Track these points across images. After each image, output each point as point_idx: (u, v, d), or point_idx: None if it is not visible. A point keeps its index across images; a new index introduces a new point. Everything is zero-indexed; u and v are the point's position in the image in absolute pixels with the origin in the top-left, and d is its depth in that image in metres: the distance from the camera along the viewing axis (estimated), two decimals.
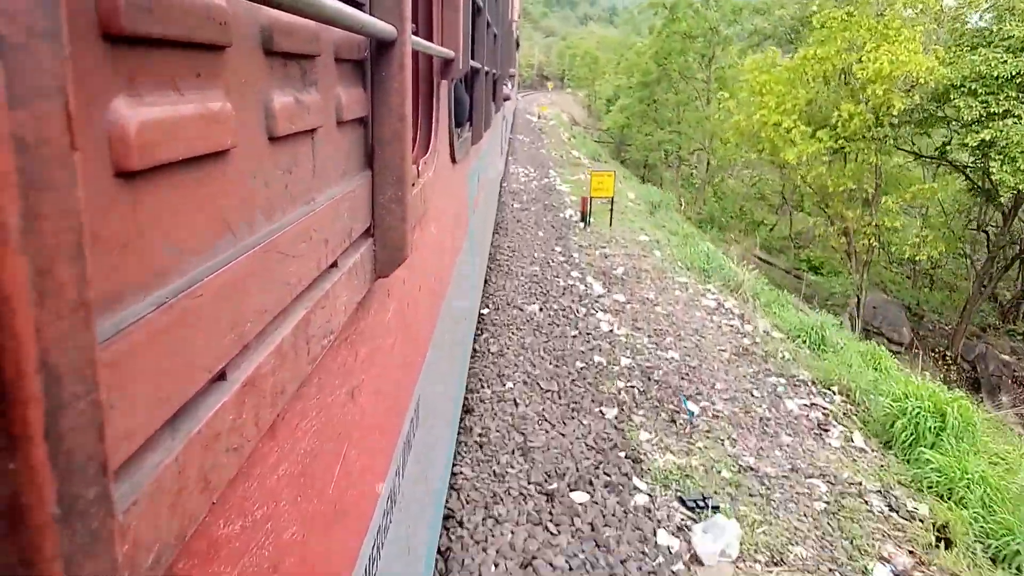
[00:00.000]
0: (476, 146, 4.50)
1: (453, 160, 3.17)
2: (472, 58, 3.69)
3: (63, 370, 0.33)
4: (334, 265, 1.12)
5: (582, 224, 14.30)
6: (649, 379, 7.19)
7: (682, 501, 5.10)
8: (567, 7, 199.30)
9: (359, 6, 1.26)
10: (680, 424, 6.29)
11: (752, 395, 7.26)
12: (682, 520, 4.89)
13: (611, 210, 14.59)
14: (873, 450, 6.71)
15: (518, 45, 20.82)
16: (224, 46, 0.70)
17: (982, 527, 5.56)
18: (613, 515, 4.77)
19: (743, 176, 40.96)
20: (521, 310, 8.91)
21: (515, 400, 6.34)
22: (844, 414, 7.40)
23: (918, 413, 6.77)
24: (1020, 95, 18.25)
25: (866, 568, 4.64)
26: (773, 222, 38.90)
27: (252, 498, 0.80)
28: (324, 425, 1.09)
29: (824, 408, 7.34)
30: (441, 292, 2.88)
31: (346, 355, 1.24)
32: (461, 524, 4.48)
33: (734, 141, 28.06)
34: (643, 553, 4.41)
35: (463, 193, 3.97)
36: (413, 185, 1.86)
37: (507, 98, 10.79)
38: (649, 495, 5.10)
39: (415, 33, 2.41)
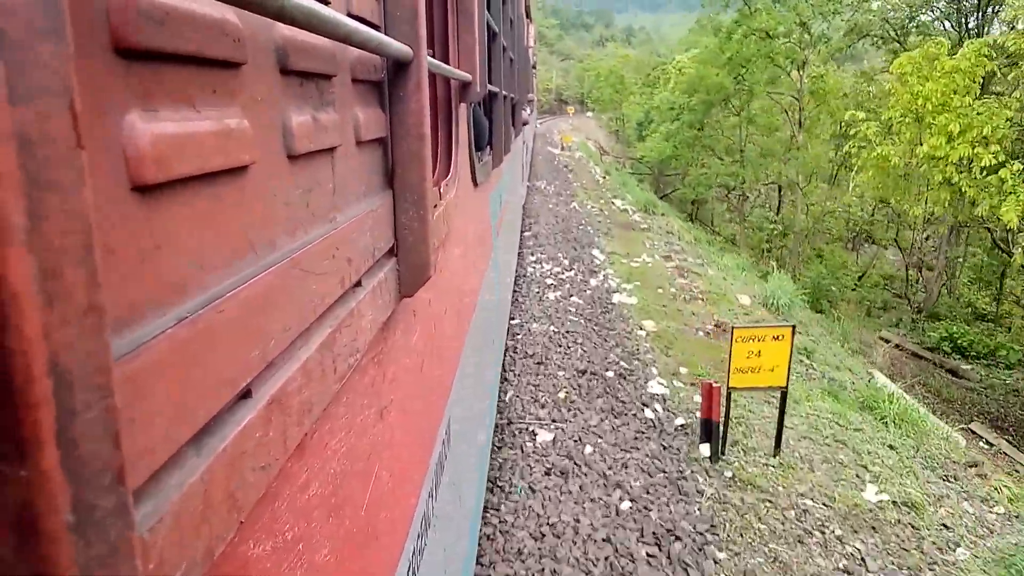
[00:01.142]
0: (497, 169, 4.52)
1: (475, 183, 3.18)
2: (490, 82, 3.73)
3: (75, 374, 0.33)
4: (358, 284, 1.12)
5: (705, 453, 5.52)
6: None
7: None
8: (582, 30, 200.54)
9: (375, 27, 1.28)
10: None
11: None
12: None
13: (780, 421, 5.51)
14: None
15: (535, 68, 21.06)
16: (240, 63, 0.70)
17: None
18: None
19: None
20: None
21: None
22: None
23: None
24: None
25: None
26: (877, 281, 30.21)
27: (282, 518, 0.78)
28: (354, 445, 1.08)
29: None
30: (468, 313, 2.88)
31: (374, 374, 1.23)
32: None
33: (871, 185, 19.73)
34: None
35: (485, 216, 3.98)
36: (436, 207, 1.86)
37: (525, 123, 10.84)
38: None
39: (431, 57, 2.44)
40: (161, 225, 0.56)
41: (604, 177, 28.19)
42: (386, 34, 1.30)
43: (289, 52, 0.83)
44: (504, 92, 4.67)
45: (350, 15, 1.12)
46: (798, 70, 29.58)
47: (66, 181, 0.33)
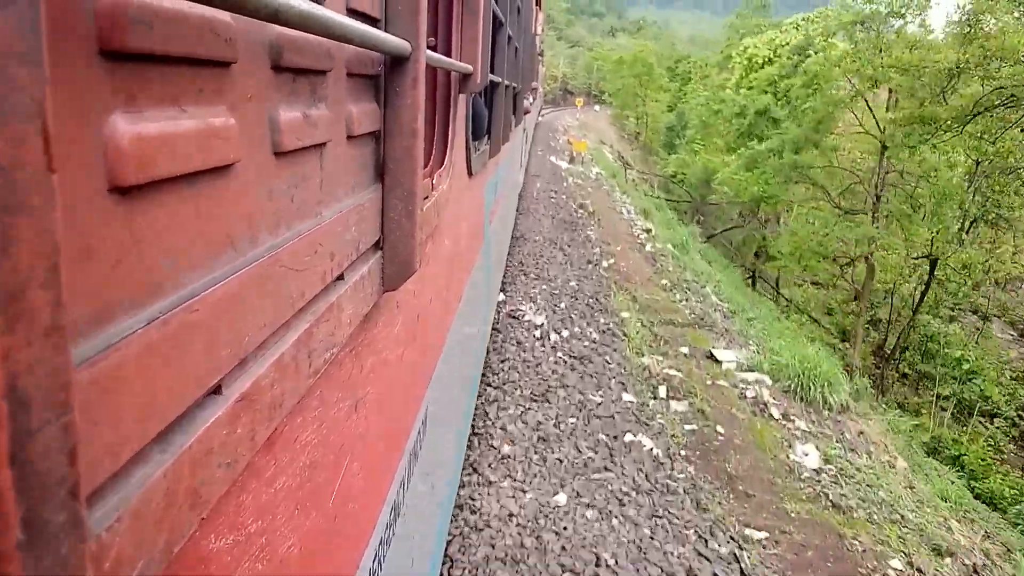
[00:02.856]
0: (494, 159, 4.51)
1: (470, 173, 3.18)
2: (492, 71, 3.71)
3: (32, 395, 0.33)
4: (340, 278, 1.12)
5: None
6: None
7: None
8: (593, 17, 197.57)
9: (374, 21, 1.27)
10: None
11: None
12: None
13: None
14: None
15: (541, 56, 20.73)
16: (229, 62, 0.70)
17: None
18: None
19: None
20: None
21: None
22: None
23: None
24: None
25: None
26: None
27: (246, 512, 0.79)
28: (325, 438, 1.09)
29: None
30: (454, 303, 2.88)
31: (351, 367, 1.24)
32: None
33: None
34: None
35: (479, 206, 3.97)
36: (426, 198, 1.86)
37: (527, 111, 10.82)
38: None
39: (434, 47, 2.43)
40: (138, 226, 0.56)
41: (648, 231, 16.78)
42: (386, 28, 1.29)
43: (283, 50, 0.83)
44: (507, 82, 4.65)
45: (349, 10, 1.11)
46: None
47: (37, 204, 0.33)
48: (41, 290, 0.34)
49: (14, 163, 0.31)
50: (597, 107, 76.85)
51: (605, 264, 11.98)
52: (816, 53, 27.34)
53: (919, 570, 5.18)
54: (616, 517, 4.82)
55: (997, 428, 20.18)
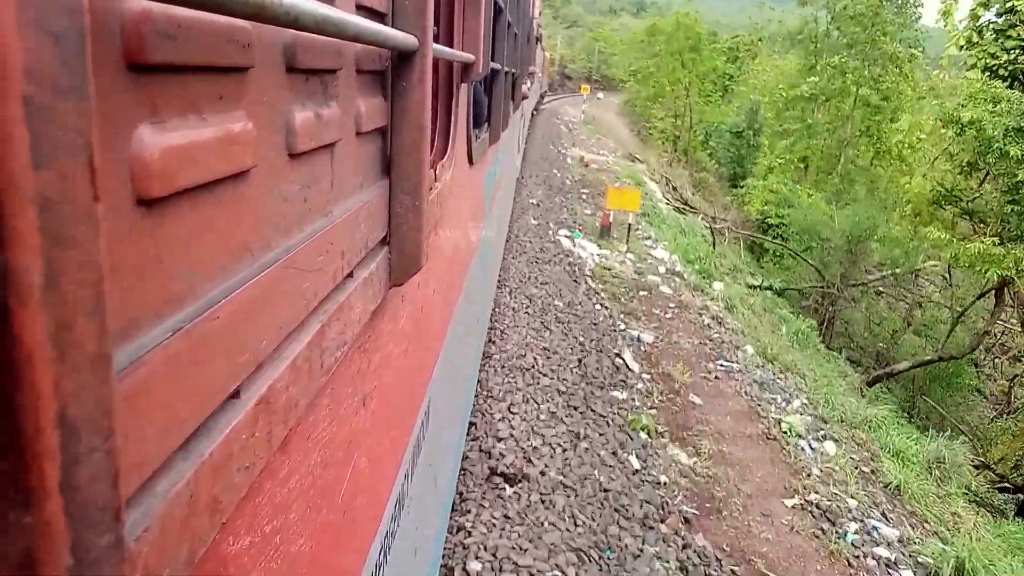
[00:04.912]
0: (494, 146, 4.49)
1: (471, 161, 3.17)
2: (492, 59, 3.69)
3: (80, 423, 0.34)
4: (349, 276, 1.12)
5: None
6: None
7: None
8: None
9: (381, 16, 1.26)
10: None
11: None
12: None
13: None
14: None
15: (540, 40, 20.42)
16: (247, 67, 0.70)
17: None
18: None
19: None
20: None
21: None
22: None
23: None
24: None
25: None
26: None
27: (262, 513, 0.80)
28: (335, 434, 1.10)
29: None
30: (455, 293, 2.89)
31: (359, 363, 1.24)
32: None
33: None
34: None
35: (479, 194, 3.97)
36: (430, 190, 1.86)
37: (525, 97, 10.79)
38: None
39: (436, 38, 2.42)
40: (162, 238, 0.56)
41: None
42: (393, 23, 1.29)
43: (297, 51, 0.83)
44: (506, 68, 4.63)
45: (358, 7, 1.11)
46: None
47: (83, 237, 0.33)
48: (87, 320, 0.34)
49: (62, 197, 0.32)
50: (600, 95, 65.49)
51: None
52: None
53: None
54: None
55: None
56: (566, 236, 12.78)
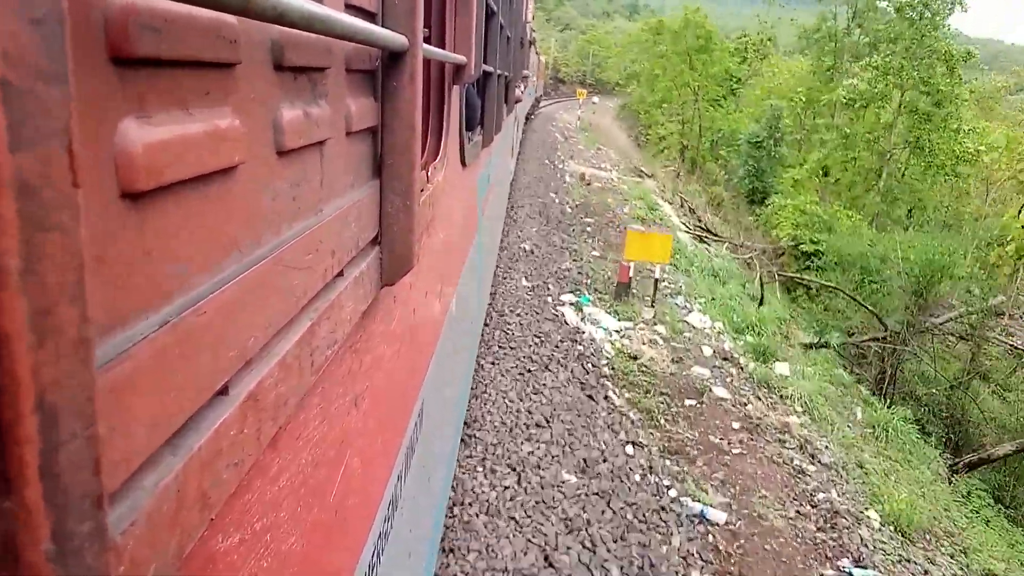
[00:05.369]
0: (487, 149, 4.50)
1: (463, 164, 3.17)
2: (485, 62, 3.69)
3: (60, 409, 0.34)
4: (340, 275, 1.12)
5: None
6: None
7: None
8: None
9: (371, 15, 1.26)
10: None
11: None
12: None
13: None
14: None
15: (533, 44, 20.37)
16: (234, 63, 0.70)
17: None
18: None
19: None
20: None
21: None
22: None
23: None
24: None
25: None
26: None
27: (252, 511, 0.80)
28: (326, 434, 1.09)
29: None
30: (448, 295, 2.88)
31: (351, 363, 1.24)
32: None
33: None
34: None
35: (472, 196, 3.97)
36: (422, 191, 1.86)
37: (518, 100, 10.83)
38: None
39: (427, 38, 2.42)
40: (148, 231, 0.56)
41: None
42: (383, 23, 1.29)
43: (284, 49, 0.83)
44: (499, 71, 4.64)
45: (347, 6, 1.11)
46: None
47: (63, 222, 0.33)
48: (68, 305, 0.34)
49: (42, 181, 0.32)
50: (596, 99, 62.16)
51: None
52: None
53: None
54: None
55: None
56: (571, 303, 9.28)
